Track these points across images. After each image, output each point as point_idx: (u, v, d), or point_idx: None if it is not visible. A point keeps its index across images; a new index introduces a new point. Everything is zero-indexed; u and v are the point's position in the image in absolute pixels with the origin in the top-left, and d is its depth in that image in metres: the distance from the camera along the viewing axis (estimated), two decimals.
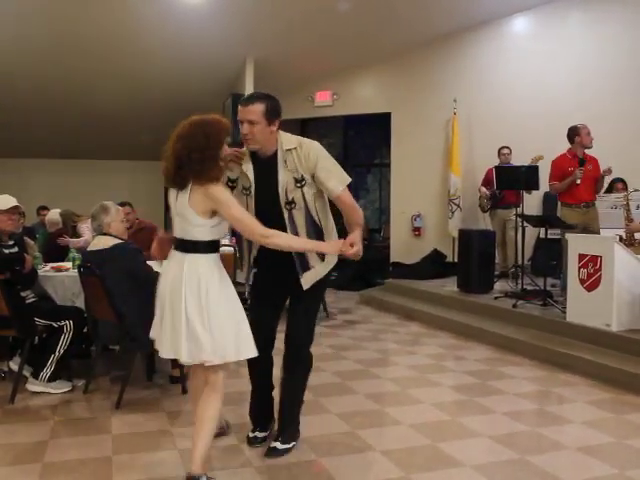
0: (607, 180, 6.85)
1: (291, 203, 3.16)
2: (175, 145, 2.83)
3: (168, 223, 12.20)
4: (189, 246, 2.87)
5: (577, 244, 5.70)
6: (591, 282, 5.43)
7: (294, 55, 10.10)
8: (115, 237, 4.27)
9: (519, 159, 8.13)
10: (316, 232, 3.22)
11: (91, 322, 4.37)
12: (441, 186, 10.05)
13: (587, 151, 6.52)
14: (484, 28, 9.68)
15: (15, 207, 4.35)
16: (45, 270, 4.82)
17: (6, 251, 4.34)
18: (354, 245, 3.03)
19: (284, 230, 3.12)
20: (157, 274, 4.24)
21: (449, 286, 8.18)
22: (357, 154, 12.95)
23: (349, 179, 3.34)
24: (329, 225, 3.31)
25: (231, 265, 6.23)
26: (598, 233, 6.25)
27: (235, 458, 3.29)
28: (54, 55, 9.26)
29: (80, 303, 4.51)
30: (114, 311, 4.08)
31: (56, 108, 10.99)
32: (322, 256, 3.25)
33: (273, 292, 3.38)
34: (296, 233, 3.15)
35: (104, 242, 4.23)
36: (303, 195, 3.17)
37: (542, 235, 7.60)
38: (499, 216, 8.29)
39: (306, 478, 3.10)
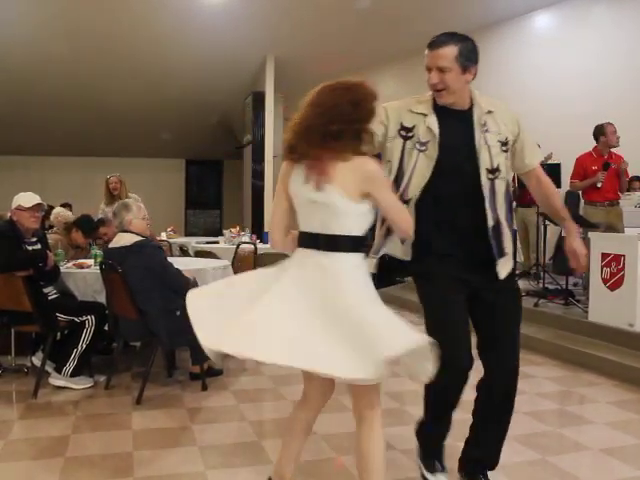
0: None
1: (495, 171, 2.59)
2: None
3: (189, 220, 12.34)
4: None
5: (600, 243, 5.63)
6: (614, 281, 5.36)
7: (314, 54, 10.12)
8: (136, 234, 4.29)
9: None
10: (510, 209, 2.71)
11: (112, 319, 4.40)
12: None
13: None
14: (504, 26, 9.62)
15: (38, 204, 4.39)
16: (67, 267, 4.86)
17: (29, 248, 4.39)
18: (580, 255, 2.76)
19: (477, 203, 2.56)
20: (178, 271, 4.29)
21: None
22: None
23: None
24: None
25: (250, 265, 6.25)
26: (622, 232, 6.18)
27: (255, 455, 3.29)
28: (74, 55, 9.37)
29: (101, 300, 4.54)
30: (135, 308, 4.10)
31: (77, 107, 11.11)
32: (514, 240, 2.80)
33: (458, 289, 2.62)
34: (495, 207, 2.59)
35: (125, 239, 4.26)
36: (505, 162, 2.65)
37: (564, 234, 7.51)
38: (519, 215, 8.17)
39: (326, 475, 3.10)
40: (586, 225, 6.35)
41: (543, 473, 3.12)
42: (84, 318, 4.37)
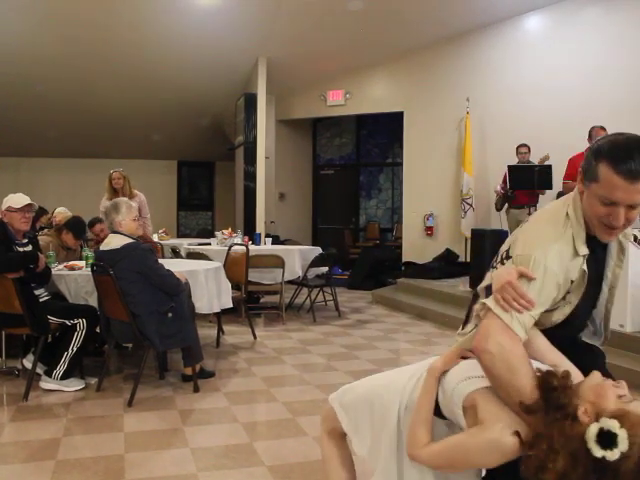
0: None
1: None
2: None
3: (181, 221, 12.27)
4: None
5: None
6: None
7: (306, 54, 10.12)
8: (126, 236, 4.27)
9: (534, 158, 8.09)
10: None
11: (104, 321, 4.39)
12: (454, 185, 10.02)
13: None
14: (497, 27, 9.65)
15: (28, 205, 4.37)
16: (58, 269, 4.83)
17: (20, 249, 4.37)
18: None
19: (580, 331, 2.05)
20: (170, 273, 4.28)
21: (461, 286, 8.15)
22: (369, 153, 12.95)
23: None
24: None
25: (243, 266, 6.25)
26: None
27: (247, 457, 3.28)
28: (68, 56, 9.33)
29: (93, 301, 4.52)
30: (126, 310, 4.09)
31: (70, 107, 11.06)
32: None
33: None
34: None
35: (116, 241, 4.23)
36: None
37: None
38: (512, 216, 8.25)
39: (319, 476, 3.09)
40: None
41: None
42: (75, 321, 4.34)
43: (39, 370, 4.41)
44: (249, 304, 6.81)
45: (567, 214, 1.83)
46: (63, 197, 10.49)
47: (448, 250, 9.82)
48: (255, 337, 6.20)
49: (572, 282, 1.80)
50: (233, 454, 3.32)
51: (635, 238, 5.55)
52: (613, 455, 1.39)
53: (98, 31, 8.69)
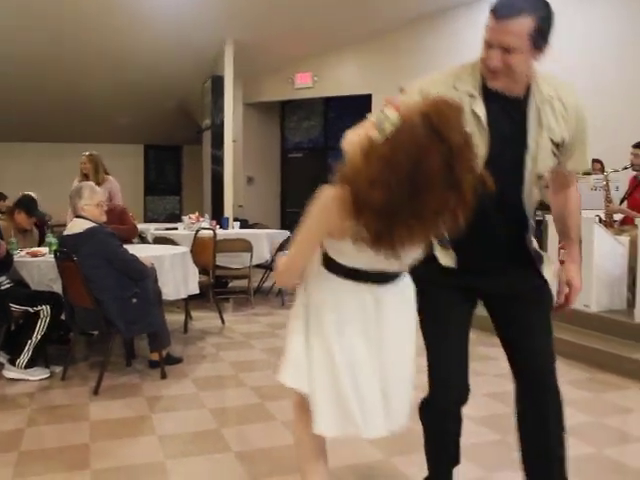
0: None
1: (541, 177, 2.07)
2: None
3: (148, 206, 12.15)
4: None
5: None
6: None
7: (274, 37, 10.01)
8: (89, 220, 4.18)
9: None
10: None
11: (68, 307, 4.31)
12: None
13: None
14: (466, 8, 9.62)
15: None
16: (20, 256, 4.73)
17: None
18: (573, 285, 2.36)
19: (513, 209, 2.05)
20: (134, 258, 4.21)
21: None
22: (338, 136, 12.75)
23: None
24: None
25: (210, 251, 6.19)
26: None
27: (214, 443, 3.26)
28: (30, 35, 9.09)
29: (57, 288, 4.43)
30: (91, 296, 4.02)
31: (32, 91, 10.82)
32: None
33: (467, 304, 2.31)
34: (530, 214, 2.14)
35: (79, 225, 4.15)
36: (551, 166, 2.09)
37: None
38: None
39: (286, 462, 3.08)
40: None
41: (503, 453, 3.16)
42: (39, 308, 4.26)
43: (2, 359, 4.34)
44: (217, 289, 6.76)
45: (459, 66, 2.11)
46: (26, 183, 10.26)
47: None
48: (223, 322, 6.17)
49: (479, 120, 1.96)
50: (201, 441, 3.30)
51: (600, 219, 5.64)
52: (383, 124, 1.82)
53: (62, 10, 8.47)
